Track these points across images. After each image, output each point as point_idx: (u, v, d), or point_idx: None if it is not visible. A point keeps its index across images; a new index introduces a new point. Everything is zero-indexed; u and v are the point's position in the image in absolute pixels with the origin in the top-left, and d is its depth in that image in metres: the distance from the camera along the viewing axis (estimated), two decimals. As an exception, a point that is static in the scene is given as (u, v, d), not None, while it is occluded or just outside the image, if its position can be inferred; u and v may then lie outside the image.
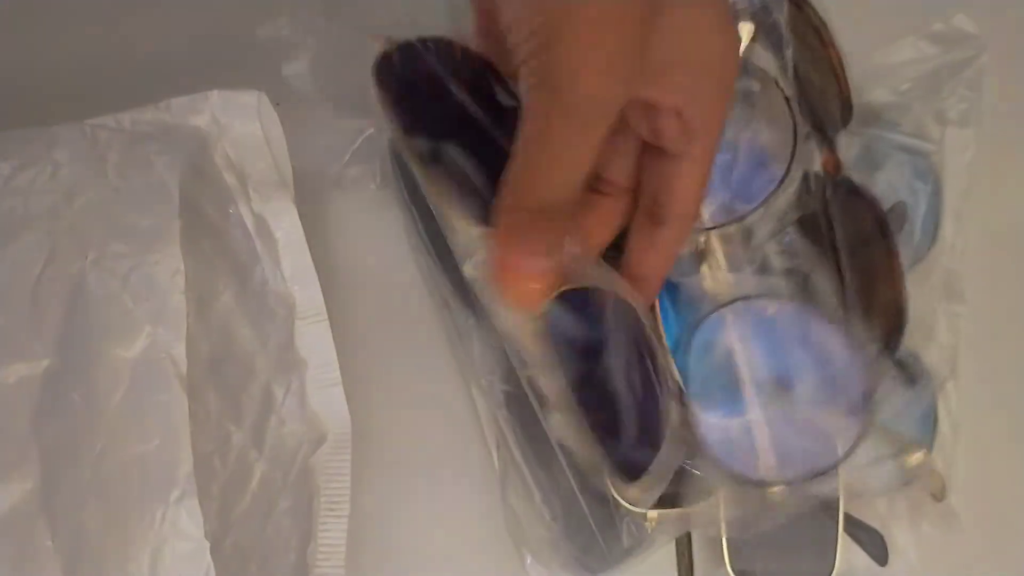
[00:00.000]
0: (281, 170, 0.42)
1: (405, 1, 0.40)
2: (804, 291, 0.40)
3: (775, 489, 0.37)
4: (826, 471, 0.37)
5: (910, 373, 0.40)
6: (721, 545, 0.40)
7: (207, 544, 0.32)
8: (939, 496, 0.41)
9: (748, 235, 0.40)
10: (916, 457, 0.39)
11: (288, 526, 0.38)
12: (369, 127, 0.44)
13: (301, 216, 0.43)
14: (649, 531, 0.39)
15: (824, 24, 0.43)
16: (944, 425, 0.41)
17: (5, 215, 0.35)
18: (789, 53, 0.41)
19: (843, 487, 0.39)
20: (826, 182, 0.41)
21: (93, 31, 0.49)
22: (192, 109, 0.41)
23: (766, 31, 0.41)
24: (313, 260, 0.43)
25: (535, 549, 0.41)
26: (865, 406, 0.37)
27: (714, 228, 0.40)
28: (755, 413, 0.37)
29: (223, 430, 0.36)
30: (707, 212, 0.40)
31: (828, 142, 0.42)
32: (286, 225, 0.41)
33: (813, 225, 0.41)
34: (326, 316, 0.41)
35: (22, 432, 0.32)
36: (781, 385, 0.38)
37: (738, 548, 0.40)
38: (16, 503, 0.31)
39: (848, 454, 0.37)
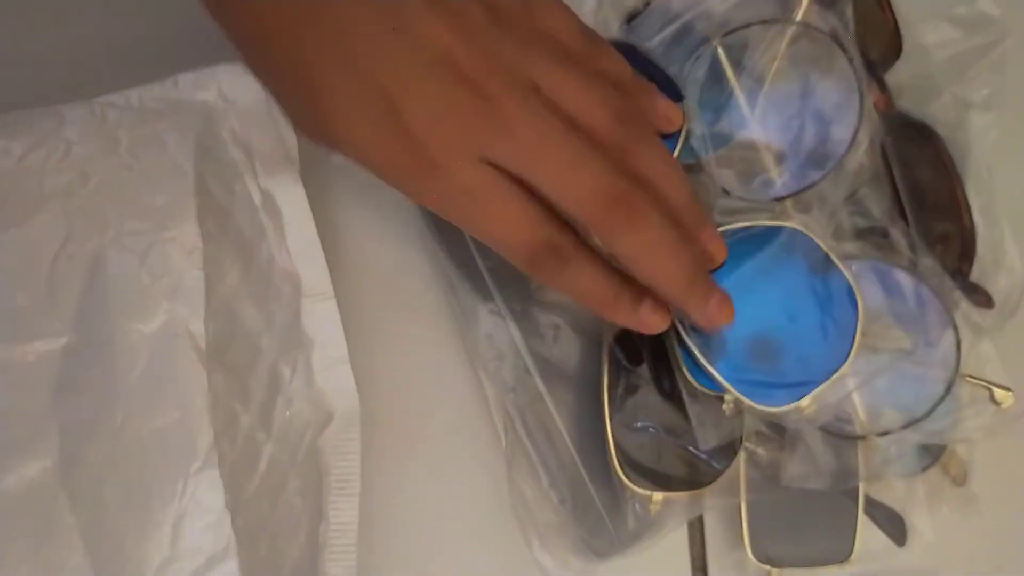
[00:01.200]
0: (287, 145, 0.41)
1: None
2: (882, 247, 0.40)
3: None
4: (921, 419, 0.38)
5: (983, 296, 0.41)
6: (741, 528, 0.40)
7: (228, 515, 0.32)
8: (960, 481, 0.42)
9: (823, 200, 0.40)
10: (1006, 397, 0.39)
11: (298, 506, 0.38)
12: None
13: (309, 199, 0.43)
14: (653, 513, 0.40)
15: None
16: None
17: (20, 195, 0.35)
18: (849, 11, 0.41)
19: (864, 465, 0.39)
20: (880, 119, 0.41)
21: (93, 9, 0.48)
22: (199, 84, 0.41)
23: None
24: (321, 242, 0.44)
25: (543, 533, 0.41)
26: (952, 353, 0.39)
27: (787, 196, 0.40)
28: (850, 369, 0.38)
29: (230, 411, 0.36)
30: (780, 181, 0.40)
31: (879, 80, 0.43)
32: (292, 200, 0.41)
33: (880, 176, 0.41)
34: (332, 294, 0.41)
35: (42, 409, 0.32)
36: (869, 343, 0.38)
37: (757, 531, 0.40)
38: (36, 479, 0.31)
39: (941, 400, 0.38)
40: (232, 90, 0.41)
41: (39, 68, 0.46)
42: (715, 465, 0.40)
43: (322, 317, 0.41)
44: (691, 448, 0.40)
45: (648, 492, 0.39)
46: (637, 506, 0.40)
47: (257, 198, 0.41)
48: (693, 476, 0.40)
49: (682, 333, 0.39)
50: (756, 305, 0.39)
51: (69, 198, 0.35)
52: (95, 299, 0.34)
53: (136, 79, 0.41)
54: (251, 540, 0.35)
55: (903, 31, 0.43)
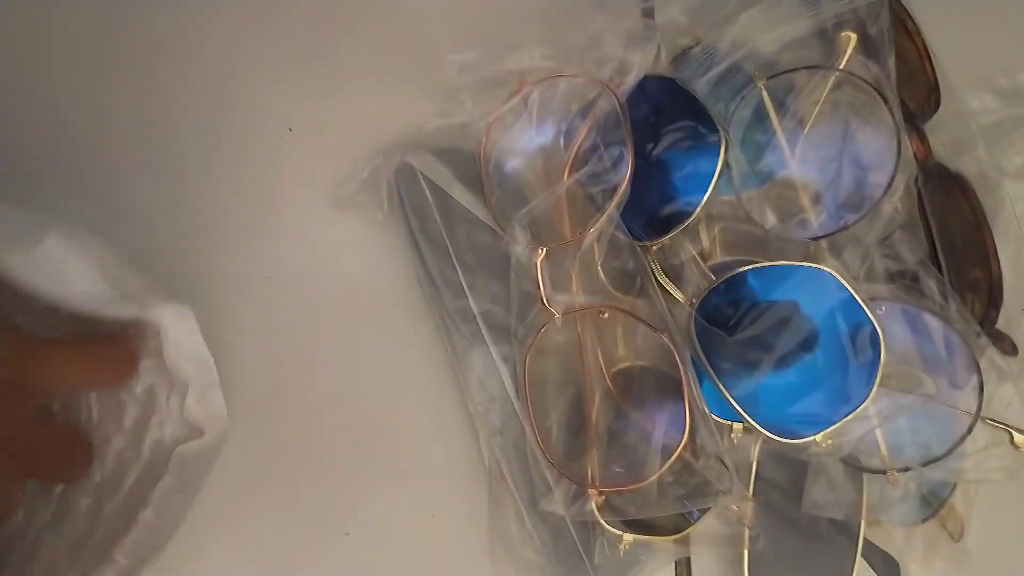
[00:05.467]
0: None
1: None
2: (912, 291, 0.41)
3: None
4: (941, 457, 0.40)
5: (1008, 344, 0.42)
6: (741, 567, 0.41)
7: None
8: (956, 536, 0.42)
9: (856, 242, 0.41)
10: None
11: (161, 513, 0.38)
12: (378, 157, 0.45)
13: (310, 241, 0.45)
14: (621, 554, 0.40)
15: (908, 14, 0.45)
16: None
17: None
18: (891, 62, 0.42)
19: (866, 508, 0.40)
20: (918, 168, 0.42)
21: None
22: None
23: (865, 40, 0.42)
24: (320, 282, 0.45)
25: (524, 571, 0.42)
26: (975, 396, 0.40)
27: (823, 237, 0.41)
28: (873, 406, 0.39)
29: (103, 432, 0.38)
30: (816, 221, 0.42)
31: (918, 130, 0.44)
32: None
33: (913, 221, 0.42)
34: (196, 329, 0.38)
35: None
36: (894, 384, 0.40)
37: (756, 570, 0.41)
38: None
39: (963, 439, 0.40)
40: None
41: None
42: (691, 515, 0.41)
43: (189, 351, 0.39)
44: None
45: (618, 533, 0.40)
46: (606, 544, 0.41)
47: None
48: (669, 522, 0.41)
49: (703, 360, 0.40)
50: (782, 340, 0.39)
51: None
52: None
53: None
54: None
55: (943, 87, 0.44)
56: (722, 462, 0.39)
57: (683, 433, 0.39)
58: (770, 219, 0.42)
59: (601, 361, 0.42)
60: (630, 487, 0.39)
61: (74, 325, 0.35)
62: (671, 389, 0.40)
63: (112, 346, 0.37)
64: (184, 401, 0.37)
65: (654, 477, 0.39)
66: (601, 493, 0.40)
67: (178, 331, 0.37)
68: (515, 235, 0.42)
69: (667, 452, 0.39)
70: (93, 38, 0.48)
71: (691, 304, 0.41)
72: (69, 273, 0.34)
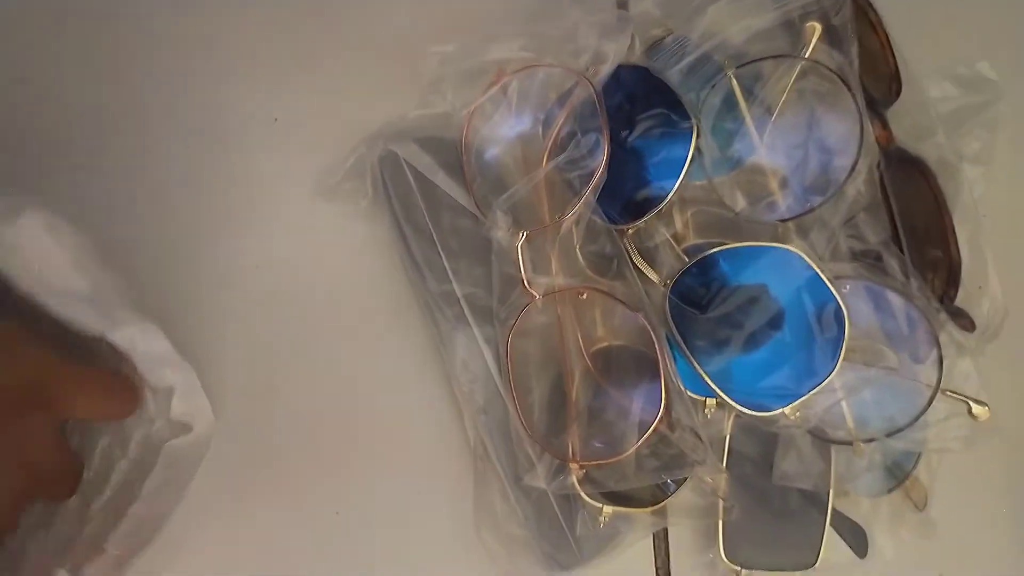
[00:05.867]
0: None
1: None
2: (875, 270, 0.43)
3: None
4: (904, 428, 0.42)
5: (966, 320, 0.43)
6: (715, 532, 0.43)
7: None
8: (920, 506, 0.44)
9: (822, 224, 0.42)
10: (983, 412, 0.42)
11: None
12: (362, 146, 0.46)
13: (297, 230, 0.46)
14: (601, 526, 0.42)
15: (871, 5, 0.47)
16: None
17: None
18: (854, 51, 0.43)
19: (834, 479, 0.43)
20: (880, 153, 0.44)
21: None
22: None
23: (829, 30, 0.44)
24: (307, 270, 0.46)
25: (509, 546, 0.43)
26: (935, 370, 0.42)
27: (790, 219, 0.43)
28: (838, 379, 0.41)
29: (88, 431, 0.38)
30: (783, 204, 0.43)
31: (880, 116, 0.45)
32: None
33: (875, 203, 0.44)
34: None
35: None
36: (858, 358, 0.42)
37: (730, 536, 0.43)
38: None
39: (924, 411, 0.42)
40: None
41: None
42: (667, 487, 0.43)
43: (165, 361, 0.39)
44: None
45: (598, 505, 0.42)
46: (587, 517, 0.42)
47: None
48: (646, 495, 0.43)
49: (678, 339, 0.41)
50: (752, 318, 0.41)
51: None
52: None
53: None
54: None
55: (904, 75, 0.46)
56: (696, 435, 0.41)
57: (659, 408, 0.40)
58: (740, 202, 0.43)
59: (580, 341, 0.43)
60: (610, 460, 0.41)
61: (57, 331, 0.36)
62: (648, 367, 0.41)
63: (120, 381, 0.38)
64: (170, 402, 0.38)
65: (632, 450, 0.40)
66: (582, 467, 0.41)
67: (148, 347, 0.37)
68: (496, 220, 0.43)
69: (644, 426, 0.40)
70: (80, 31, 0.49)
71: (665, 285, 0.43)
72: (45, 259, 0.35)
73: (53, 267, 0.35)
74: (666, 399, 0.40)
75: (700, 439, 0.41)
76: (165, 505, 0.39)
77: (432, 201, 0.45)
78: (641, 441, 0.40)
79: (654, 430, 0.40)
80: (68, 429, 0.39)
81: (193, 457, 0.39)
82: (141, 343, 0.37)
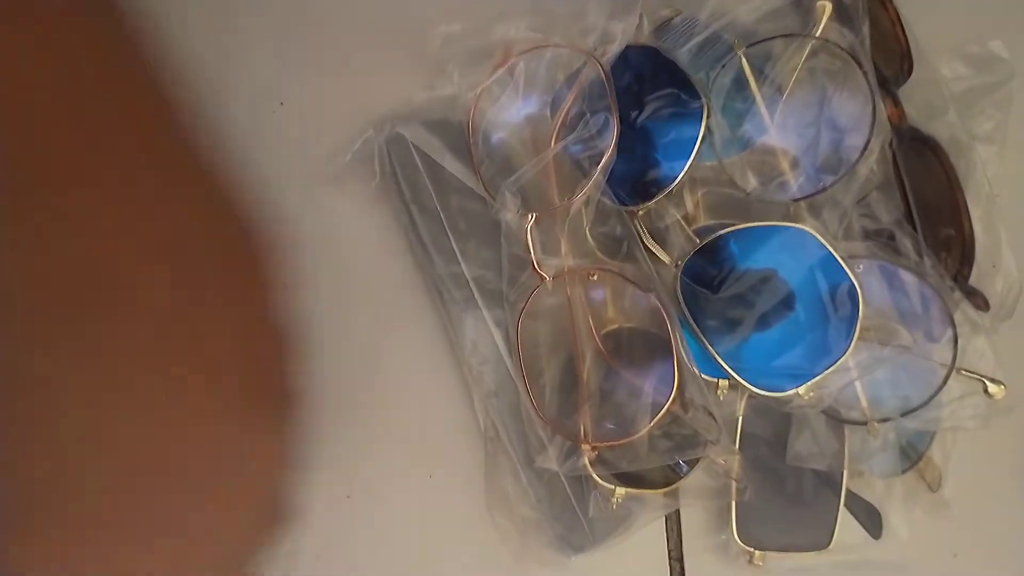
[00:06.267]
0: None
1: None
2: (888, 249, 0.43)
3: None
4: (919, 408, 0.41)
5: (980, 299, 0.43)
6: (728, 513, 0.43)
7: None
8: (934, 487, 0.44)
9: (834, 203, 0.42)
10: (998, 390, 0.42)
11: None
12: (368, 129, 0.46)
13: (303, 213, 0.46)
14: (614, 507, 0.42)
15: None
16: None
17: None
18: (865, 30, 0.43)
19: (848, 459, 0.42)
20: (892, 132, 0.43)
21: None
22: None
23: (840, 8, 0.43)
24: (314, 253, 0.46)
25: (522, 528, 0.43)
26: (950, 348, 0.41)
27: (802, 199, 0.42)
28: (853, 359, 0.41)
29: None
30: (795, 184, 0.43)
31: (892, 95, 0.45)
32: None
33: (888, 182, 0.44)
34: None
35: None
36: (872, 337, 0.41)
37: (743, 516, 0.43)
38: None
39: (939, 390, 0.41)
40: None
41: None
42: (680, 469, 0.43)
43: None
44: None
45: (610, 486, 0.42)
46: (599, 498, 0.42)
47: None
48: (659, 476, 0.43)
49: (689, 319, 0.41)
50: (765, 298, 0.41)
51: None
52: None
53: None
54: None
55: (915, 54, 0.46)
56: (710, 414, 0.40)
57: (672, 388, 0.40)
58: (751, 182, 0.43)
59: (591, 322, 0.43)
60: (622, 441, 0.41)
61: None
62: (659, 347, 0.41)
63: None
64: None
65: (645, 430, 0.40)
66: (594, 448, 0.41)
67: None
68: (505, 202, 0.43)
69: (657, 407, 0.40)
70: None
71: (677, 266, 0.43)
72: None
73: None
74: (679, 379, 0.40)
75: (713, 418, 0.40)
76: None
77: (440, 183, 0.45)
78: (654, 421, 0.40)
79: (667, 410, 0.40)
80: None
81: None
82: None
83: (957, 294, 0.42)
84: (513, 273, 0.43)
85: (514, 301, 0.43)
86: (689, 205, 0.44)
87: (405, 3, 0.49)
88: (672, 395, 0.40)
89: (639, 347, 0.42)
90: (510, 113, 0.46)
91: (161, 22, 0.48)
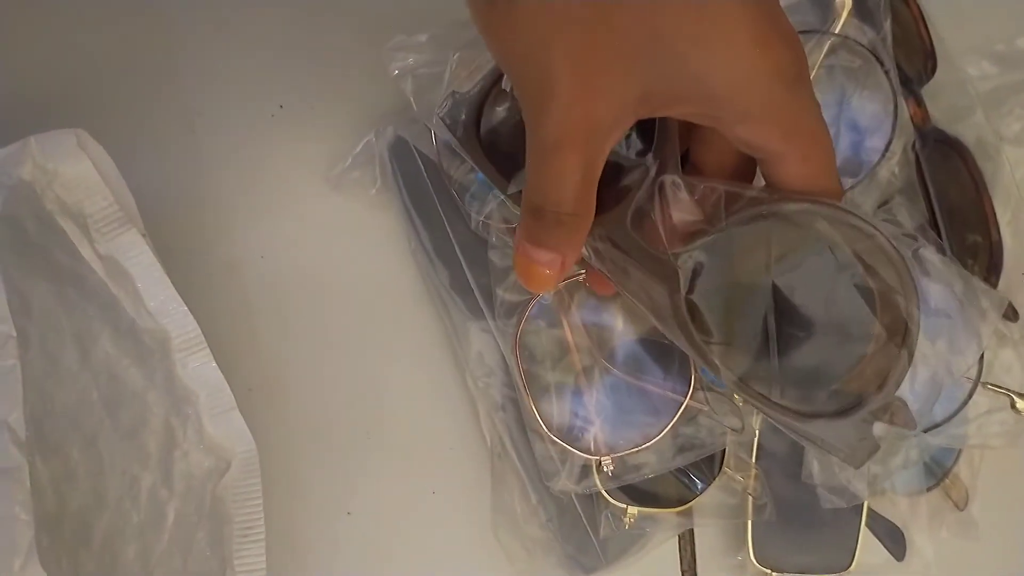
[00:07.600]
0: (123, 203, 0.39)
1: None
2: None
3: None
4: (942, 423, 0.40)
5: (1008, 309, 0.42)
6: (744, 533, 0.42)
7: None
8: (961, 505, 0.43)
9: (854, 207, 0.40)
10: None
11: (208, 558, 0.39)
12: (369, 132, 0.45)
13: (303, 219, 0.46)
14: (627, 527, 0.41)
15: None
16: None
17: None
18: (887, 26, 0.42)
19: (869, 481, 0.41)
20: (915, 133, 0.43)
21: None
22: (10, 161, 0.37)
23: (860, 4, 0.42)
24: (315, 261, 0.46)
25: (530, 548, 0.42)
26: (977, 364, 0.40)
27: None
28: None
29: (129, 473, 0.37)
30: None
31: (915, 95, 0.44)
32: (138, 259, 0.39)
33: (911, 186, 0.43)
34: (204, 343, 0.39)
35: None
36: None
37: (760, 536, 0.42)
38: None
39: (964, 405, 0.40)
40: (51, 160, 0.38)
41: None
42: (695, 486, 0.42)
43: (198, 369, 0.40)
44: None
45: (623, 505, 0.41)
46: (611, 517, 0.41)
47: (98, 265, 0.39)
48: (673, 494, 0.42)
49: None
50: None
51: None
52: None
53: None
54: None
55: (939, 52, 0.44)
56: (731, 399, 0.39)
57: (689, 385, 0.39)
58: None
59: (593, 329, 0.42)
60: (642, 447, 0.40)
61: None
62: (669, 348, 0.40)
63: None
64: (201, 429, 0.38)
65: (668, 428, 0.39)
66: (611, 460, 0.40)
67: (185, 351, 0.38)
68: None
69: (676, 404, 0.39)
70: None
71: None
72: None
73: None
74: (695, 372, 0.39)
75: (734, 403, 0.39)
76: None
77: (444, 188, 0.44)
78: (676, 416, 0.39)
79: (687, 403, 0.39)
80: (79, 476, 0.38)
81: (245, 493, 0.39)
82: (179, 344, 0.38)
83: (983, 304, 0.40)
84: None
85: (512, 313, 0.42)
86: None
87: (408, 4, 0.48)
88: (691, 388, 0.39)
89: (649, 350, 0.41)
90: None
91: (161, 22, 0.48)
